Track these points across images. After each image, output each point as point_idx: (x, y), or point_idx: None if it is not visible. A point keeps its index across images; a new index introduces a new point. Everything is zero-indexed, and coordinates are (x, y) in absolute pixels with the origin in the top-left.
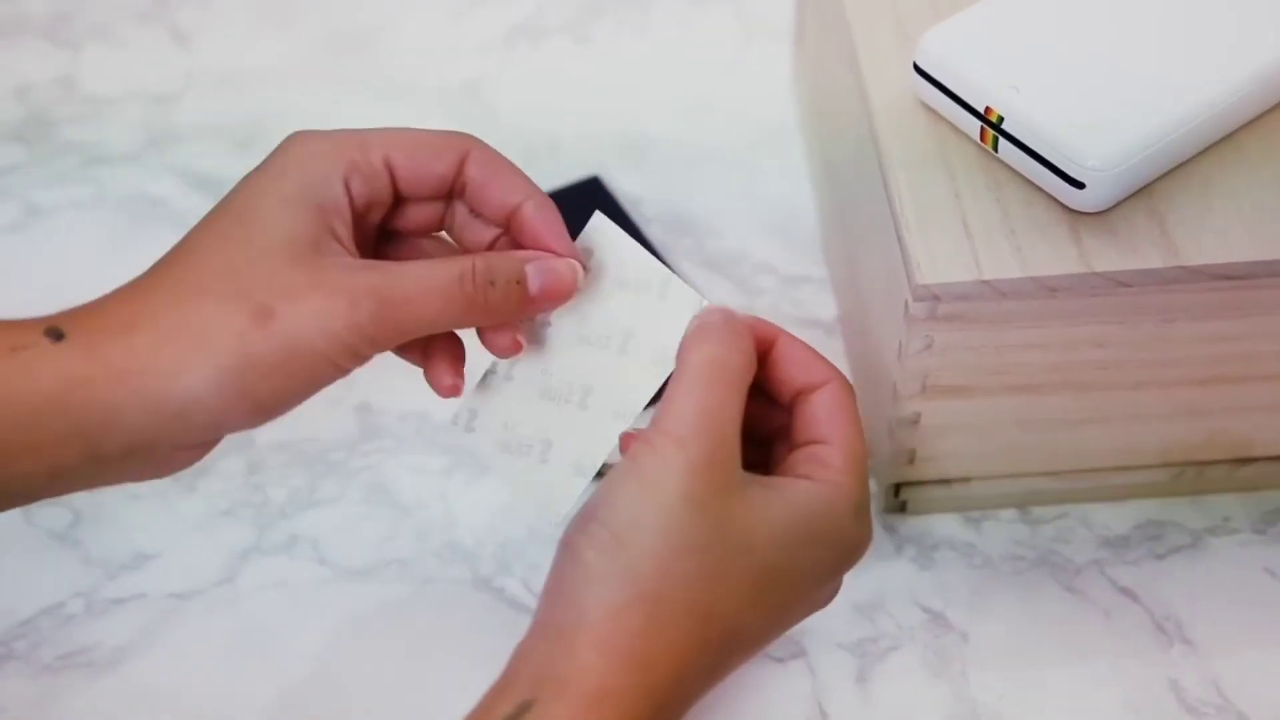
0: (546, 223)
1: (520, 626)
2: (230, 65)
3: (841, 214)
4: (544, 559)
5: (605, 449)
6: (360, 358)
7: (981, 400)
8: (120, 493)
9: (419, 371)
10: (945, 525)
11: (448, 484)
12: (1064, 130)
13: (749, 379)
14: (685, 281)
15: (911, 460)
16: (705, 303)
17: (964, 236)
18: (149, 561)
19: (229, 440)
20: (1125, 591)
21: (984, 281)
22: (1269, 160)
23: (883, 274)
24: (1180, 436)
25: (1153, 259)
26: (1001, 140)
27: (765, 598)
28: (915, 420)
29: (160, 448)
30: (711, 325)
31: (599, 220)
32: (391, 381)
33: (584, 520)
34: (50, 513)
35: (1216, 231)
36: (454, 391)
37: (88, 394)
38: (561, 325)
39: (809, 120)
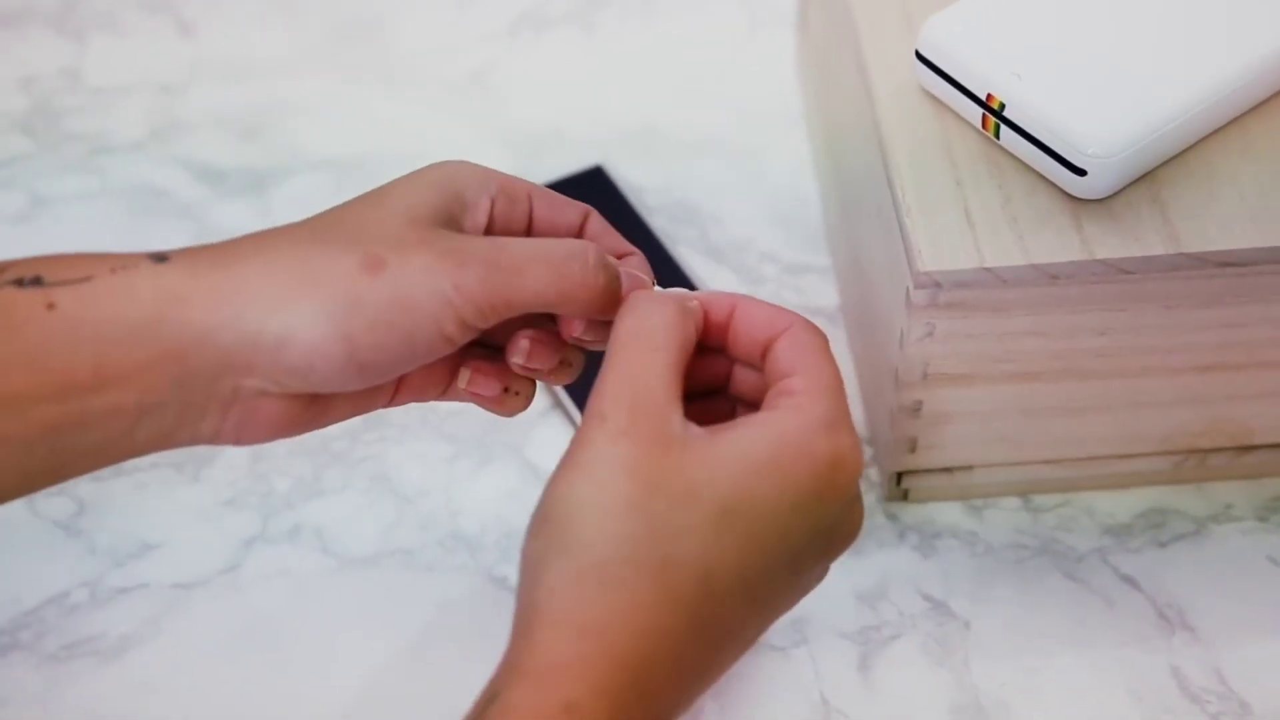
0: (643, 273)
1: None
2: (235, 56)
3: (844, 202)
4: None
5: None
6: (465, 326)
7: (983, 388)
8: (125, 482)
9: None
10: (947, 513)
11: (451, 473)
12: (1066, 117)
13: (681, 338)
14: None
15: (913, 448)
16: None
17: (966, 224)
18: (153, 551)
19: None
20: (1127, 579)
21: (986, 269)
22: (1272, 147)
23: (885, 262)
24: (1182, 424)
25: (1155, 246)
26: (1003, 127)
27: (726, 538)
28: (917, 408)
29: (248, 388)
30: (634, 299)
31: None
32: None
33: (531, 523)
34: (55, 503)
35: (1219, 218)
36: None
37: (183, 312)
38: None
39: (813, 109)
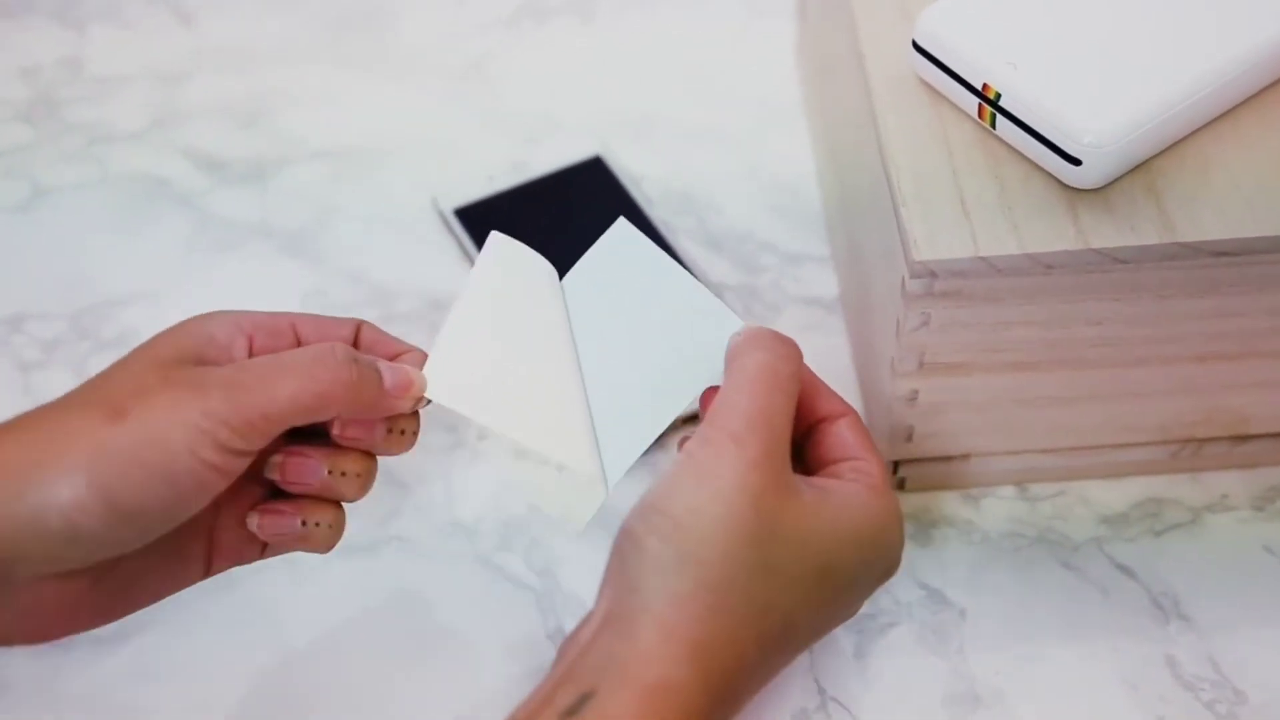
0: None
1: (521, 603)
2: (236, 45)
3: (842, 192)
4: (544, 536)
5: (629, 459)
6: (227, 450)
7: (979, 377)
8: None
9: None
10: (944, 503)
11: (450, 461)
12: (1061, 107)
13: (796, 390)
14: (722, 302)
15: (910, 437)
16: (742, 323)
17: (961, 213)
18: None
19: None
20: (1123, 569)
21: (981, 258)
22: (1266, 137)
23: (881, 251)
24: (1178, 413)
25: (1150, 235)
26: (999, 117)
27: (816, 596)
28: (913, 397)
29: (20, 574)
30: (763, 334)
31: (624, 229)
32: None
33: (644, 510)
34: None
35: (1214, 208)
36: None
37: None
38: (590, 335)
39: (811, 98)
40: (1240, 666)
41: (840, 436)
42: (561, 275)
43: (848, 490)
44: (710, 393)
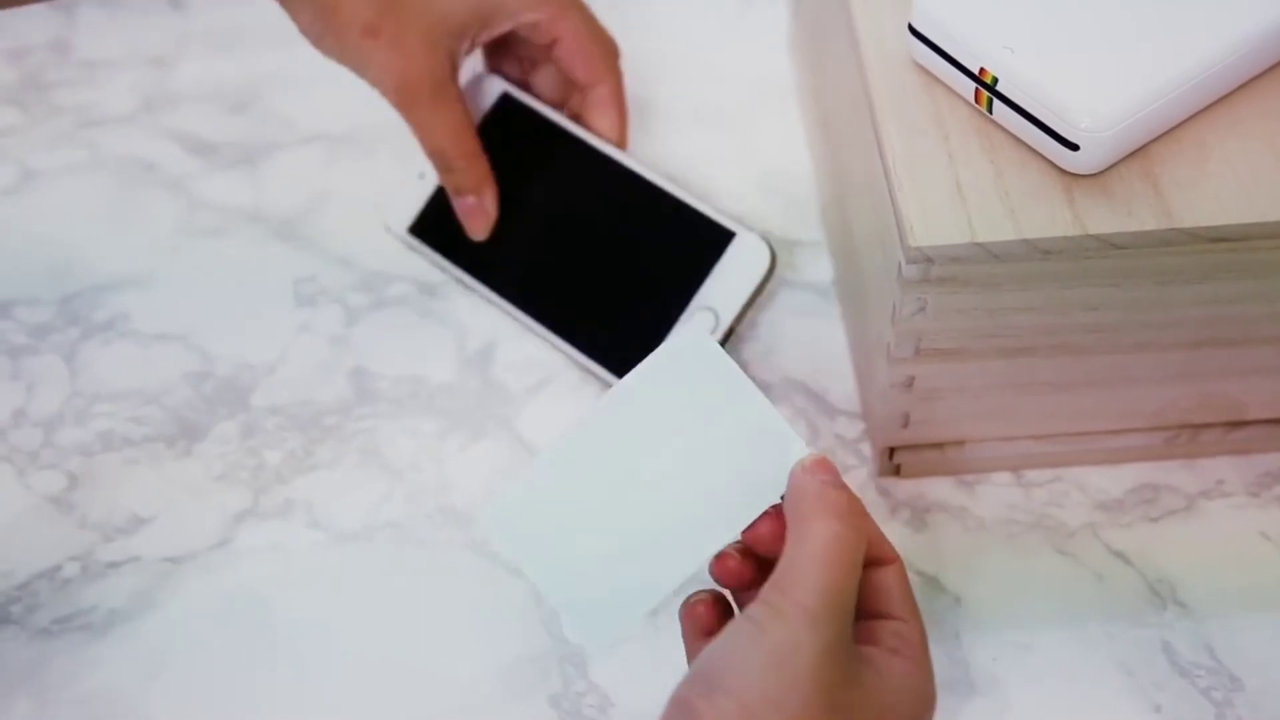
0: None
1: (513, 589)
2: (225, 28)
3: (837, 177)
4: None
5: (674, 582)
6: None
7: (975, 363)
8: (116, 457)
9: (414, 335)
10: (939, 489)
11: (442, 448)
12: (1058, 92)
13: (862, 564)
14: (786, 423)
15: (905, 423)
16: (807, 449)
17: (957, 199)
18: (145, 525)
19: (225, 405)
20: (1119, 555)
21: (977, 244)
22: (1263, 123)
23: (876, 236)
24: (1174, 399)
25: (1147, 221)
26: (996, 102)
27: None
28: (909, 383)
29: None
30: (839, 501)
31: (699, 338)
32: (386, 345)
33: (708, 685)
34: (46, 477)
35: (1211, 194)
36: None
37: None
38: (639, 439)
39: (806, 83)
40: (1236, 652)
41: (885, 586)
42: None
43: (897, 670)
44: (767, 522)
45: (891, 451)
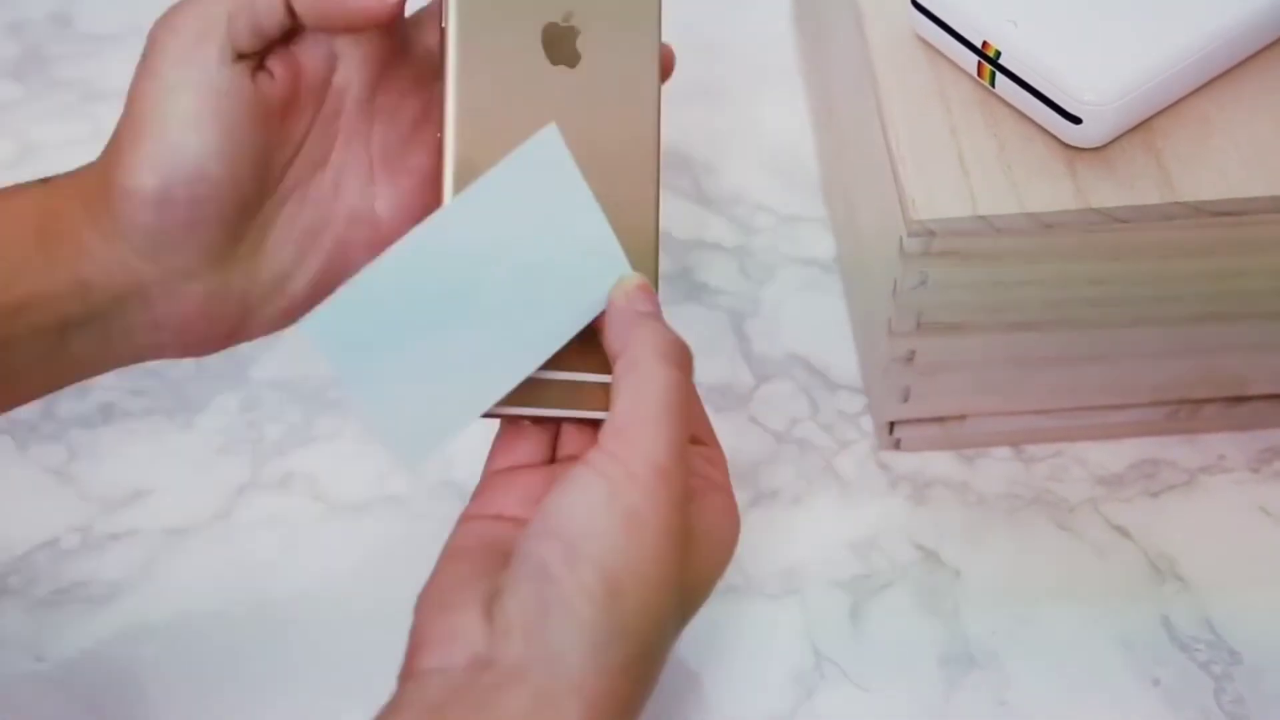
0: None
1: None
2: None
3: (839, 152)
4: None
5: (495, 396)
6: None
7: (976, 337)
8: (117, 429)
9: None
10: (939, 463)
11: None
12: (1061, 65)
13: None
14: (616, 240)
15: (906, 398)
16: (633, 275)
17: (960, 172)
18: (145, 497)
19: (225, 377)
20: (1119, 529)
21: (980, 217)
22: (1266, 97)
23: (878, 210)
24: (1176, 374)
25: (1150, 195)
26: (998, 75)
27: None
28: (910, 357)
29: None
30: (673, 344)
31: (551, 135)
32: None
33: (567, 550)
34: (46, 449)
35: (1214, 168)
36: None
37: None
38: (479, 248)
39: (809, 57)
40: (1235, 627)
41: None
42: None
43: (718, 505)
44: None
45: (892, 426)
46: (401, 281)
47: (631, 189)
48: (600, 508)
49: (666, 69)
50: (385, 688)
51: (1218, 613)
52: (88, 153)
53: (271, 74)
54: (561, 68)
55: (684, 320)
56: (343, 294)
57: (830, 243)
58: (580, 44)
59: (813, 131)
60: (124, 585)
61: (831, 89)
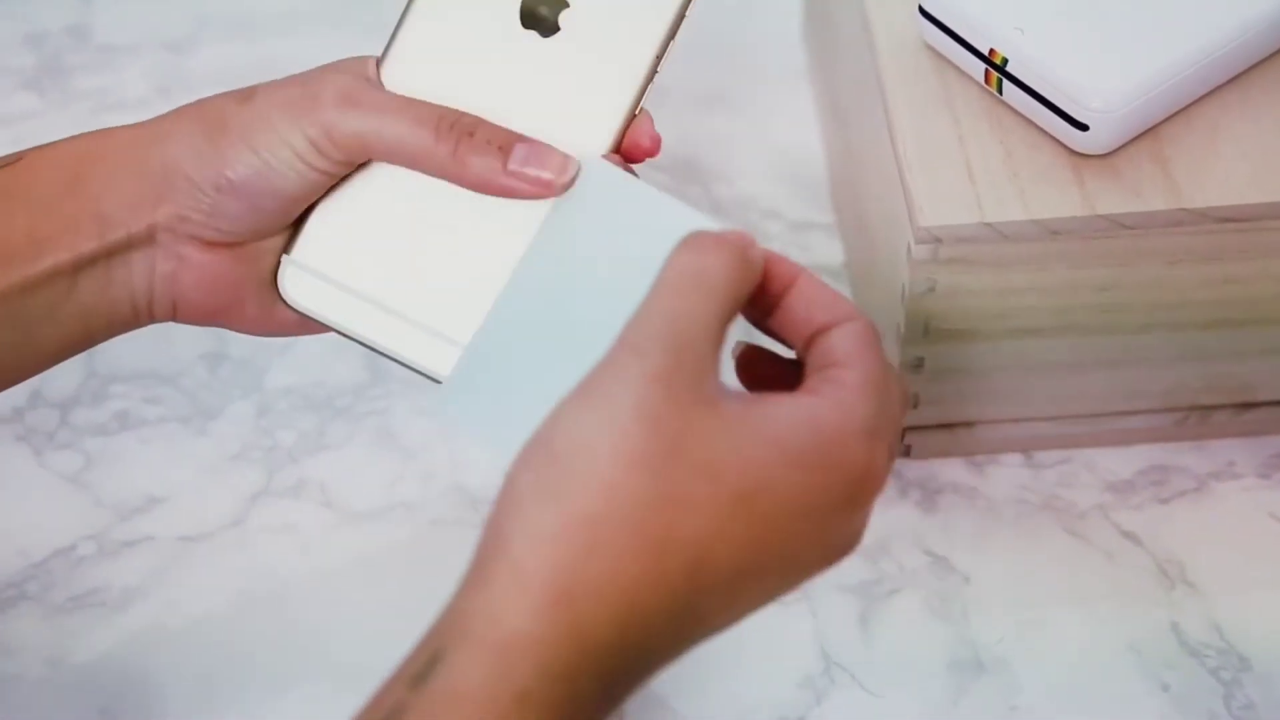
0: None
1: None
2: (243, 12)
3: (848, 159)
4: None
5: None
6: (322, 154)
7: (985, 344)
8: (131, 436)
9: None
10: (949, 469)
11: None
12: (1068, 72)
13: (737, 290)
14: (708, 218)
15: (915, 404)
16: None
17: (967, 179)
18: (159, 504)
19: (239, 384)
20: (1128, 535)
21: (987, 224)
22: (1274, 104)
23: (886, 217)
24: (1184, 380)
25: (1156, 201)
26: (1005, 82)
27: (736, 528)
28: (919, 364)
29: (161, 229)
30: (698, 235)
31: (599, 167)
32: None
33: (527, 444)
34: (62, 456)
35: (1221, 174)
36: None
37: (96, 165)
38: (550, 276)
39: (817, 65)
40: (1245, 633)
41: (828, 345)
42: None
43: (793, 402)
44: None
45: (902, 432)
46: (508, 336)
47: None
48: (568, 397)
49: (651, 148)
50: None
51: (1227, 619)
52: None
53: None
54: (532, 34)
55: None
56: (460, 368)
57: (839, 249)
58: (564, 18)
59: (822, 138)
60: (139, 591)
61: (840, 96)
